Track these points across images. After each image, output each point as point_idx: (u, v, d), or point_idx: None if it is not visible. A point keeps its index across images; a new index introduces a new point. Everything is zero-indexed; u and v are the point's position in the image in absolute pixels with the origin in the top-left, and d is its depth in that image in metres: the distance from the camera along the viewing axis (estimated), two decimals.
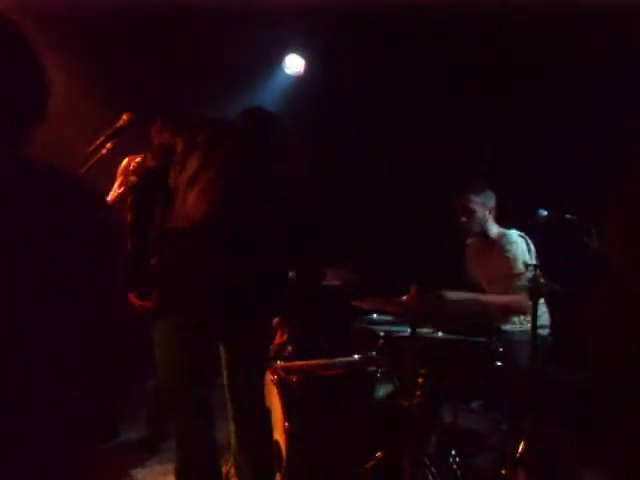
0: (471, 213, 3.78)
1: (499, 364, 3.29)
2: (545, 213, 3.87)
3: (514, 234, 3.85)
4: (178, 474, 2.54)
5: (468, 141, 4.72)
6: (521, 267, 3.63)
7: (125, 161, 3.72)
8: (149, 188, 2.53)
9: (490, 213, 3.83)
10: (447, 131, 4.77)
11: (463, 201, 3.78)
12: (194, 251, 2.45)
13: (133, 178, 2.68)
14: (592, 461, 3.52)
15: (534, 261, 3.66)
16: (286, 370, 3.20)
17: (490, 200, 3.84)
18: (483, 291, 3.93)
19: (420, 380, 3.11)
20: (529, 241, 3.81)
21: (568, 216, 3.66)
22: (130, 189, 2.68)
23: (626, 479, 3.23)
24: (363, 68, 4.76)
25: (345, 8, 4.07)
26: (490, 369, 3.29)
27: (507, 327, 3.86)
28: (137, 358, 3.94)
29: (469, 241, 4.09)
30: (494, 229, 3.89)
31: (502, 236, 3.86)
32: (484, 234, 3.89)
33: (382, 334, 3.48)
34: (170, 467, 3.57)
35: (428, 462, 3.03)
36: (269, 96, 4.84)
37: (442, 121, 4.78)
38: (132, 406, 4.18)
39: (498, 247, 3.82)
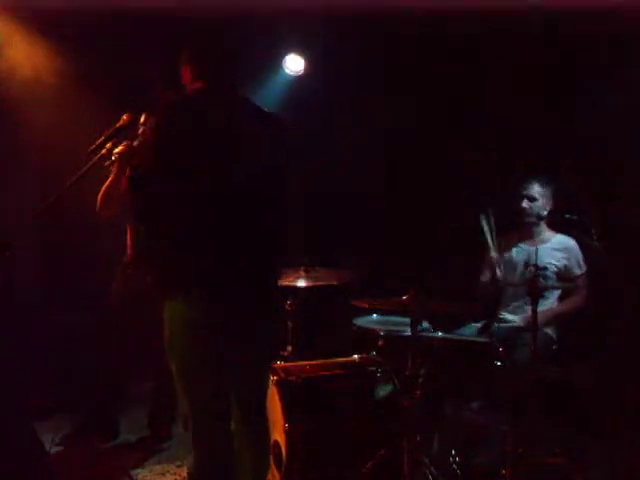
0: (533, 200, 3.95)
1: (499, 364, 3.29)
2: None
3: (569, 238, 3.95)
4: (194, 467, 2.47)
5: (468, 141, 4.71)
6: (580, 270, 3.88)
7: None
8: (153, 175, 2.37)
9: (546, 209, 3.96)
10: (447, 130, 4.77)
11: (528, 189, 3.96)
12: (218, 253, 2.39)
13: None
14: (592, 461, 3.52)
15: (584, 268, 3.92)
16: (286, 370, 3.20)
17: (550, 196, 3.97)
18: (496, 285, 4.03)
19: (420, 380, 3.11)
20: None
21: (568, 216, 3.68)
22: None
23: (626, 479, 3.24)
24: (363, 68, 4.75)
25: (345, 8, 4.07)
26: (490, 369, 3.29)
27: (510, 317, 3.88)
28: (137, 360, 3.95)
29: (504, 236, 4.14)
30: (547, 230, 4.01)
31: (554, 237, 3.98)
32: (534, 229, 3.99)
33: (382, 334, 3.48)
34: (170, 467, 3.59)
35: (428, 462, 3.03)
36: (269, 96, 4.84)
37: (443, 120, 4.78)
38: (132, 406, 4.19)
39: (547, 244, 3.91)
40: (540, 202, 3.93)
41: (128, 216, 3.65)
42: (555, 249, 3.89)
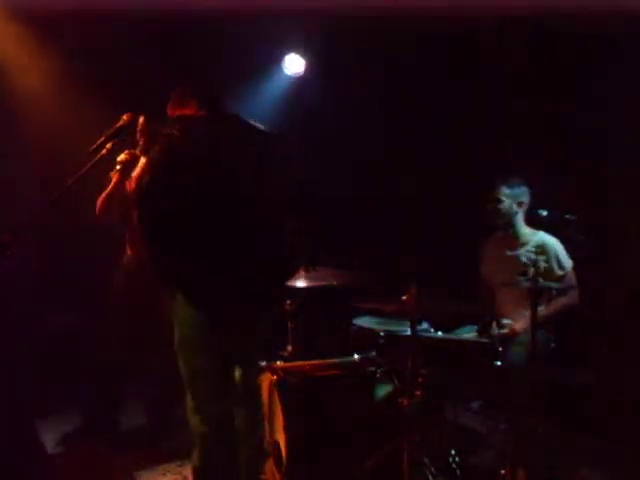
0: (497, 202, 3.87)
1: (499, 364, 3.29)
2: (545, 213, 3.88)
3: (548, 236, 3.87)
4: (199, 456, 2.63)
5: (467, 142, 4.72)
6: (562, 270, 3.78)
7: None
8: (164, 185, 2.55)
9: (519, 207, 3.88)
10: (446, 131, 4.78)
11: (493, 190, 3.88)
12: (220, 260, 2.55)
13: (146, 177, 2.57)
14: (592, 461, 3.53)
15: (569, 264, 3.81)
16: (286, 370, 3.20)
17: (522, 195, 3.89)
18: (492, 289, 3.97)
19: (420, 380, 3.11)
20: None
21: (567, 216, 3.67)
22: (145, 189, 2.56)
23: (625, 478, 3.26)
24: (363, 68, 4.76)
25: (345, 8, 4.07)
26: (490, 369, 3.29)
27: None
28: (137, 359, 3.94)
29: (491, 237, 4.10)
30: (524, 228, 3.92)
31: (533, 237, 3.90)
32: (511, 231, 3.92)
33: (382, 334, 3.48)
34: (170, 467, 3.59)
35: (428, 462, 3.03)
36: (269, 96, 4.85)
37: (442, 121, 4.78)
38: (132, 406, 4.18)
39: (528, 247, 3.83)
40: (506, 203, 3.85)
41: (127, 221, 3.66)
42: (534, 252, 3.78)
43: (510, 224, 3.91)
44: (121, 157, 3.58)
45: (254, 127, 2.75)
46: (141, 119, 3.49)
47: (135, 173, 3.45)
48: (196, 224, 2.51)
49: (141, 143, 3.55)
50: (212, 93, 2.80)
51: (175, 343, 2.63)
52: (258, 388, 2.96)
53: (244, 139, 2.71)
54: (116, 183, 3.61)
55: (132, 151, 3.59)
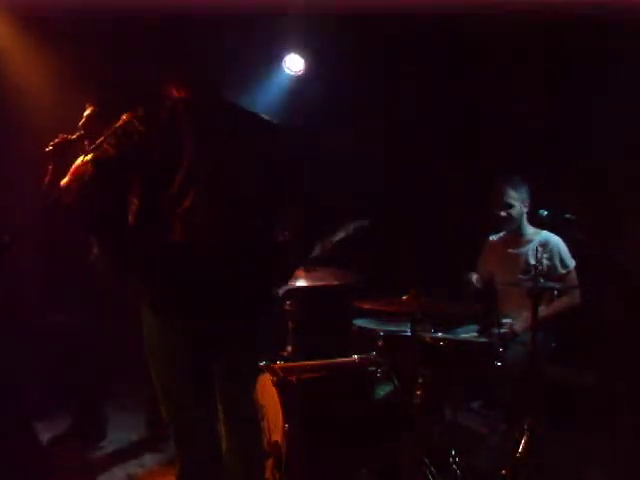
0: (510, 208, 3.85)
1: (499, 364, 3.29)
2: (545, 213, 3.89)
3: (552, 235, 3.87)
4: (180, 470, 2.46)
5: (467, 141, 4.72)
6: (565, 269, 3.79)
7: None
8: (113, 177, 2.30)
9: (525, 206, 3.88)
10: (447, 131, 4.78)
11: (502, 196, 3.85)
12: (192, 264, 2.32)
13: (89, 166, 2.29)
14: (592, 461, 3.53)
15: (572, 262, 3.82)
16: (286, 370, 3.19)
17: (526, 195, 3.90)
18: (493, 289, 3.97)
19: (420, 380, 3.11)
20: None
21: (568, 216, 3.67)
22: (87, 181, 2.28)
23: (626, 478, 3.25)
24: (363, 68, 4.76)
25: (345, 7, 4.07)
26: (490, 369, 3.29)
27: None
28: (135, 358, 3.94)
29: (493, 237, 4.11)
30: (528, 227, 3.93)
31: (536, 235, 3.90)
32: (516, 230, 3.93)
33: (382, 334, 3.48)
34: (170, 467, 3.58)
35: (428, 462, 3.03)
36: (269, 95, 4.84)
37: (442, 121, 4.78)
38: (132, 406, 4.18)
39: (532, 246, 3.83)
40: (517, 207, 3.86)
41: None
42: (538, 251, 3.74)
43: (518, 227, 3.93)
44: (55, 141, 3.34)
45: (255, 115, 2.53)
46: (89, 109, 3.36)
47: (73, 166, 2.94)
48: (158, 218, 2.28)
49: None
50: (200, 75, 2.58)
51: (145, 352, 2.42)
52: (249, 414, 2.61)
53: (239, 127, 2.47)
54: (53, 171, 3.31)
55: (65, 136, 3.33)
